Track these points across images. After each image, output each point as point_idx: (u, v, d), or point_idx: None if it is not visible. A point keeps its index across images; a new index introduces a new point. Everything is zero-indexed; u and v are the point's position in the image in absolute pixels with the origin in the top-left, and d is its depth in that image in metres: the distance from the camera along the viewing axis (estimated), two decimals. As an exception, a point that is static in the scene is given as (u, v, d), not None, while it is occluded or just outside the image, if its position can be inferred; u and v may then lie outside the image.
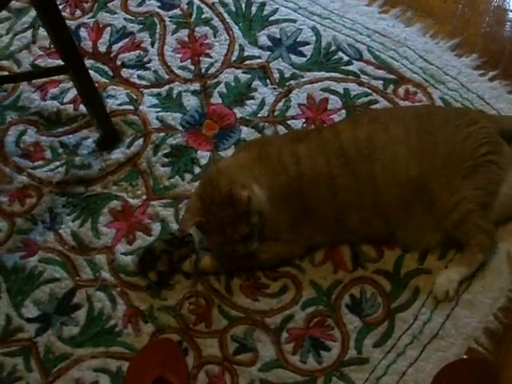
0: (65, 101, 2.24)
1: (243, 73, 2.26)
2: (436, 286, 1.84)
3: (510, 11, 2.35)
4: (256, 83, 2.23)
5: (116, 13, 2.40)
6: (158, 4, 2.42)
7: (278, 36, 2.32)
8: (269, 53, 2.28)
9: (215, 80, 2.25)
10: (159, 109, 2.21)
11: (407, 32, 2.31)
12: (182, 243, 1.91)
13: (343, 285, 1.90)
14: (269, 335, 1.85)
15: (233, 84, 2.24)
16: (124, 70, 2.29)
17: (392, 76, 2.21)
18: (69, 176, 2.11)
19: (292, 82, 2.22)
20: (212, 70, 2.27)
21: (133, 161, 2.12)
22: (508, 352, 1.79)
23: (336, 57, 2.26)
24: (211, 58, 2.29)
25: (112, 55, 2.32)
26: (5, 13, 2.41)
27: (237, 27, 2.35)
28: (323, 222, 1.87)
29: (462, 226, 1.82)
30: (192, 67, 2.28)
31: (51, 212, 2.05)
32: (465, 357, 1.79)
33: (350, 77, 2.22)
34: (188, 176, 2.08)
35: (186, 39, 2.34)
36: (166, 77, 2.27)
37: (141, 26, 2.37)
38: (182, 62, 2.29)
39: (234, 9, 2.38)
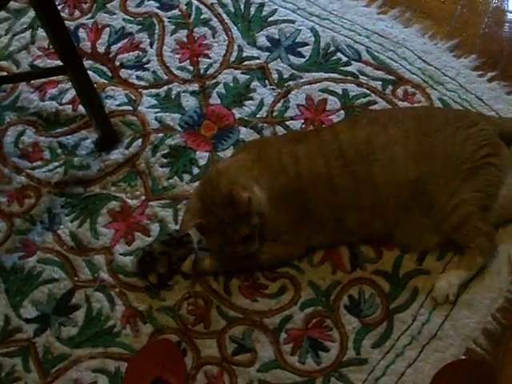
0: (64, 101, 2.24)
1: (242, 73, 2.26)
2: (436, 290, 1.84)
3: (509, 12, 2.35)
4: (255, 84, 2.23)
5: (115, 13, 2.40)
6: (157, 4, 2.42)
7: (276, 37, 2.32)
8: (267, 53, 2.28)
9: (214, 80, 2.25)
10: (158, 109, 2.21)
11: (406, 33, 2.31)
12: (181, 244, 1.91)
13: (342, 285, 1.90)
14: (267, 336, 1.85)
15: (231, 84, 2.24)
16: (123, 70, 2.29)
17: (391, 77, 2.21)
18: (67, 176, 2.11)
19: (291, 82, 2.22)
20: (211, 71, 2.27)
21: (131, 161, 2.12)
22: (506, 352, 1.79)
23: (335, 57, 2.26)
24: (210, 58, 2.29)
25: (111, 56, 2.32)
26: (4, 13, 2.40)
27: (235, 28, 2.35)
28: (322, 222, 1.87)
29: (462, 228, 1.82)
30: (191, 68, 2.28)
31: (50, 212, 2.05)
32: (463, 357, 1.78)
33: (349, 77, 2.22)
34: (187, 177, 2.08)
35: (185, 40, 2.34)
36: (165, 77, 2.27)
37: (139, 27, 2.37)
38: (180, 62, 2.29)
39: (232, 9, 2.39)
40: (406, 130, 1.86)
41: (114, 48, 2.34)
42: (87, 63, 2.28)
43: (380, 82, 2.20)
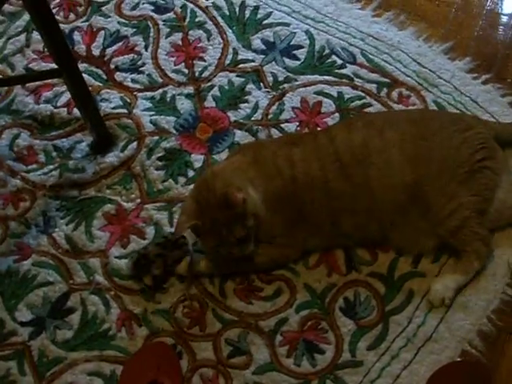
0: (58, 104, 2.24)
1: (237, 76, 2.26)
2: (432, 293, 1.84)
3: (503, 15, 2.36)
4: (250, 86, 2.23)
5: (110, 16, 2.40)
6: (152, 8, 2.42)
7: (271, 39, 2.32)
8: (262, 56, 2.29)
9: (209, 83, 2.25)
10: (153, 112, 2.21)
11: (400, 35, 2.31)
12: (176, 246, 1.91)
13: (337, 288, 1.90)
14: (263, 338, 1.85)
15: (226, 87, 2.24)
16: (118, 73, 2.29)
17: (385, 79, 2.22)
18: (62, 179, 2.11)
19: (286, 85, 2.23)
20: (206, 74, 2.27)
21: (127, 164, 2.12)
22: (501, 354, 1.79)
23: (329, 60, 2.27)
24: (205, 61, 2.29)
25: (106, 59, 2.32)
26: (-2, 16, 2.41)
27: (230, 31, 2.35)
28: (318, 225, 1.87)
29: (459, 232, 1.82)
30: (186, 71, 2.28)
31: (45, 215, 2.05)
32: (458, 359, 1.79)
33: (344, 80, 2.22)
34: (182, 179, 2.08)
35: (180, 43, 2.34)
36: (160, 80, 2.27)
37: (134, 30, 2.37)
38: (175, 65, 2.29)
39: (227, 12, 2.39)
40: (402, 133, 1.86)
41: (109, 51, 2.34)
42: (82, 66, 2.28)
43: (375, 85, 2.21)
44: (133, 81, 2.27)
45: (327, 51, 2.28)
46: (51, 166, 2.13)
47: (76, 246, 2.00)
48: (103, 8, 2.43)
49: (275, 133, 2.14)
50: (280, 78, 2.24)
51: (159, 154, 2.13)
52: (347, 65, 2.25)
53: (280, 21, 2.36)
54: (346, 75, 2.23)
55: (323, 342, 1.84)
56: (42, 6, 1.78)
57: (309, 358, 1.82)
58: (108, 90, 2.26)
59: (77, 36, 2.37)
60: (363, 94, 2.19)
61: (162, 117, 2.19)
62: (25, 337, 1.89)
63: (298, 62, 2.27)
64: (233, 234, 1.76)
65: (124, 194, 2.07)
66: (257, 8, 2.39)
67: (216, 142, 2.14)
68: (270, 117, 2.17)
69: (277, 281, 1.92)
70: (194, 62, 2.29)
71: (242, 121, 2.17)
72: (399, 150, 1.83)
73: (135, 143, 2.15)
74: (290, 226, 1.86)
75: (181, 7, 2.41)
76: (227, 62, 2.29)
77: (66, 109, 2.23)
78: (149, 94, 2.24)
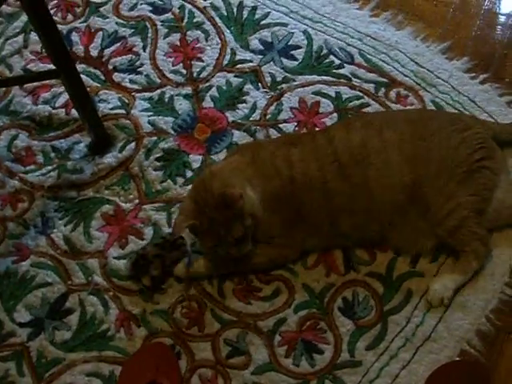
0: (57, 105, 2.24)
1: (235, 76, 2.26)
2: (431, 293, 1.84)
3: (501, 14, 2.36)
4: (248, 87, 2.23)
5: (108, 17, 2.40)
6: (150, 8, 2.42)
7: (269, 40, 2.32)
8: (260, 56, 2.29)
9: (207, 84, 2.25)
10: (151, 113, 2.21)
11: (398, 35, 2.31)
12: (174, 246, 1.91)
13: (336, 288, 1.90)
14: (261, 338, 1.85)
15: (225, 88, 2.24)
16: (116, 74, 2.29)
17: (383, 79, 2.22)
18: (61, 180, 2.11)
19: (284, 85, 2.23)
20: (204, 74, 2.27)
21: (125, 165, 2.12)
22: (500, 353, 1.79)
23: (327, 60, 2.27)
24: (203, 61, 2.30)
25: (104, 59, 2.32)
26: (-4, 17, 2.42)
27: (228, 31, 2.35)
28: (316, 226, 1.87)
29: (458, 232, 1.82)
30: (184, 71, 2.28)
31: (43, 216, 2.05)
32: (457, 359, 1.79)
33: (342, 80, 2.23)
34: (180, 180, 2.08)
35: (178, 43, 2.34)
36: (158, 81, 2.27)
37: (132, 30, 2.37)
38: (173, 65, 2.29)
39: (225, 13, 2.39)
40: (401, 133, 1.86)
41: (107, 52, 2.34)
42: (80, 67, 2.28)
43: (373, 85, 2.21)
44: (131, 81, 2.27)
45: (325, 51, 2.28)
46: (49, 167, 2.13)
47: (74, 246, 2.00)
48: (101, 9, 2.43)
49: (273, 133, 2.14)
50: (278, 79, 2.24)
51: (157, 155, 2.13)
52: (345, 65, 2.25)
53: (278, 21, 2.36)
54: (344, 75, 2.23)
55: (322, 342, 1.84)
56: (40, 7, 1.78)
57: (307, 358, 1.82)
58: (106, 91, 2.26)
59: (75, 37, 2.37)
60: (361, 94, 2.19)
61: (160, 117, 2.19)
62: (23, 338, 1.89)
63: (296, 63, 2.27)
64: (231, 233, 1.75)
65: (122, 195, 2.07)
66: (255, 8, 2.39)
67: (214, 142, 2.14)
68: (268, 117, 2.17)
69: (275, 281, 1.92)
70: (192, 62, 2.30)
71: (240, 121, 2.17)
72: (398, 150, 1.83)
73: (133, 144, 2.15)
74: (288, 227, 1.86)
75: (179, 8, 2.41)
76: (225, 62, 2.29)
77: (64, 110, 2.23)
78: (147, 94, 2.24)
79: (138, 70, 2.29)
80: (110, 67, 2.30)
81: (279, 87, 2.22)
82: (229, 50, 2.31)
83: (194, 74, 2.27)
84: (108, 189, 2.09)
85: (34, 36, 2.35)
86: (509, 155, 2.00)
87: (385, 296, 1.87)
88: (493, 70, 2.22)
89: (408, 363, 1.80)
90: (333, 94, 2.20)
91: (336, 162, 1.84)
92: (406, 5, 2.38)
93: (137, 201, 2.06)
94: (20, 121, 2.22)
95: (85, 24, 2.40)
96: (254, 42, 2.32)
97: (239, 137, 2.14)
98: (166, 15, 2.40)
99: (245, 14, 2.38)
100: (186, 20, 2.38)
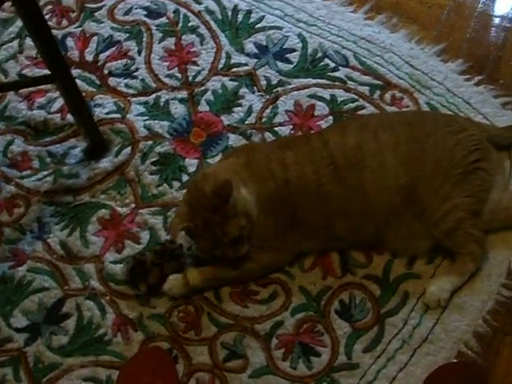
0: (52, 110, 2.24)
1: (230, 80, 2.26)
2: (427, 295, 1.84)
3: (495, 16, 2.37)
4: (243, 90, 2.23)
5: (102, 22, 2.41)
6: (145, 13, 2.42)
7: (264, 43, 2.32)
8: (255, 60, 2.29)
9: (202, 88, 2.25)
10: (147, 117, 2.21)
11: (393, 38, 2.32)
12: (173, 256, 1.90)
13: (332, 290, 1.89)
14: (259, 342, 1.84)
15: (220, 91, 2.24)
16: (111, 78, 2.29)
17: (378, 82, 2.22)
18: (57, 185, 2.10)
19: (279, 88, 2.23)
20: (199, 78, 2.27)
21: (121, 169, 2.12)
22: (497, 355, 1.79)
23: (322, 63, 2.27)
24: (198, 65, 2.30)
25: (99, 64, 2.32)
26: (-9, 23, 2.42)
27: (223, 35, 2.35)
28: (312, 228, 1.87)
29: (454, 234, 1.82)
30: (179, 75, 2.28)
31: (39, 221, 2.05)
32: (454, 360, 1.79)
33: (337, 83, 2.23)
34: (176, 184, 2.08)
35: (173, 47, 2.34)
36: (154, 85, 2.27)
37: (127, 35, 2.37)
38: (169, 70, 2.30)
39: (220, 17, 2.39)
40: (397, 135, 1.86)
41: (102, 56, 2.34)
42: (75, 72, 2.28)
43: (368, 87, 2.21)
44: (126, 86, 2.27)
45: (320, 54, 2.29)
46: (45, 172, 2.13)
47: (71, 251, 2.00)
48: (96, 13, 2.43)
49: (269, 136, 2.14)
50: (273, 82, 2.24)
51: (153, 159, 2.13)
52: (340, 68, 2.26)
53: (272, 24, 2.36)
54: (339, 78, 2.24)
55: (319, 344, 1.83)
56: (35, 12, 1.78)
57: (305, 360, 1.82)
58: (101, 96, 2.26)
59: (70, 42, 2.37)
60: (356, 97, 2.19)
61: (155, 121, 2.19)
62: (20, 343, 1.88)
63: (291, 66, 2.27)
64: (226, 234, 1.75)
65: (118, 199, 2.07)
66: (249, 12, 2.39)
67: (210, 146, 2.14)
68: (263, 120, 2.18)
69: (272, 284, 1.91)
70: (188, 66, 2.30)
71: (235, 125, 2.17)
72: (393, 153, 1.83)
73: (129, 148, 2.15)
74: (283, 229, 1.86)
75: (173, 12, 2.42)
76: (220, 66, 2.29)
77: (59, 114, 2.23)
78: (142, 98, 2.25)
79: (134, 74, 2.29)
80: (106, 72, 2.31)
81: (274, 90, 2.23)
82: (224, 54, 2.31)
83: (190, 78, 2.27)
84: (104, 193, 2.08)
85: (28, 41, 2.35)
86: (504, 157, 2.00)
87: (381, 298, 1.87)
88: (487, 71, 2.23)
89: (405, 365, 1.79)
90: (328, 97, 2.20)
91: (331, 164, 1.84)
92: (401, 7, 2.39)
93: (133, 205, 2.06)
94: (15, 126, 2.22)
95: (80, 29, 2.40)
96: (249, 46, 2.32)
97: (235, 140, 2.14)
98: (161, 19, 2.40)
99: (239, 17, 2.39)
100: (180, 24, 2.39)
